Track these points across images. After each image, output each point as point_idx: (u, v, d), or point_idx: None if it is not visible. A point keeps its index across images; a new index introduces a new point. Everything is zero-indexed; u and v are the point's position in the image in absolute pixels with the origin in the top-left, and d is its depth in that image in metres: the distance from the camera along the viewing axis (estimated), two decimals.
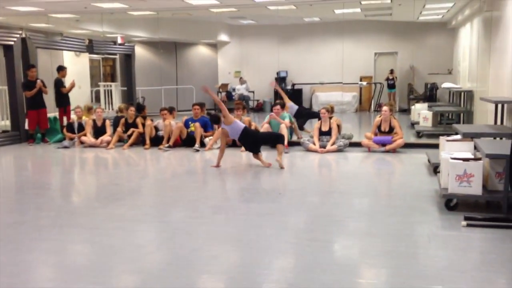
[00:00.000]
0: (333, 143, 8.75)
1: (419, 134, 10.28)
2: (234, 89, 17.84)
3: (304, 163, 8.23)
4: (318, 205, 5.43)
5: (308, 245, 4.04)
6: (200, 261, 3.72)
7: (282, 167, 7.34)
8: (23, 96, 10.29)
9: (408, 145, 8.77)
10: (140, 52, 17.44)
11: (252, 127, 9.68)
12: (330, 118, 9.04)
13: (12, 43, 10.30)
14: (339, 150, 8.74)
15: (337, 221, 4.71)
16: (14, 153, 9.42)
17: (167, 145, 9.37)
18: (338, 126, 9.13)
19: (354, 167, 7.88)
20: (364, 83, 17.48)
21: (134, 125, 9.82)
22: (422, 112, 10.88)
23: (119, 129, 9.85)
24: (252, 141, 7.66)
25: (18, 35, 10.51)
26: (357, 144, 9.02)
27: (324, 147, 8.73)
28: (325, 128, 8.91)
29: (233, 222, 4.78)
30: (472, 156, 5.04)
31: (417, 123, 11.04)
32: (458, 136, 5.76)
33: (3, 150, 9.61)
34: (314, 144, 8.84)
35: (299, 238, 4.24)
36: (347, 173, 7.40)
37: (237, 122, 7.59)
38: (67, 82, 10.94)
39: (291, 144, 9.21)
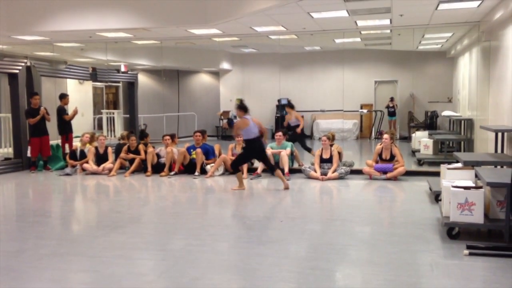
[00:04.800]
0: (334, 171, 8.77)
1: (420, 162, 10.30)
2: (235, 117, 17.94)
3: (305, 190, 8.23)
4: (319, 233, 5.41)
5: (310, 273, 4.02)
6: None
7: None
8: (26, 123, 10.38)
9: (409, 173, 8.78)
10: (143, 80, 17.65)
11: None
12: (331, 145, 9.09)
13: (17, 71, 10.46)
14: (340, 177, 8.75)
15: (339, 250, 4.69)
16: (16, 180, 9.44)
17: (173, 172, 9.41)
18: (339, 154, 9.17)
19: (356, 194, 7.87)
20: (365, 110, 17.61)
21: (137, 152, 9.87)
22: (422, 140, 10.93)
23: (122, 155, 9.90)
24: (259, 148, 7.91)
25: (23, 64, 10.67)
26: (358, 172, 9.03)
27: (325, 174, 8.75)
28: (326, 156, 8.95)
29: (235, 250, 4.77)
30: (473, 185, 5.06)
31: (418, 151, 11.07)
32: (459, 164, 5.79)
33: (5, 178, 9.63)
34: (315, 171, 8.86)
35: (301, 267, 4.22)
36: (349, 200, 7.40)
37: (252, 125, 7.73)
38: (70, 109, 11.05)
39: (292, 171, 9.23)
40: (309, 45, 15.86)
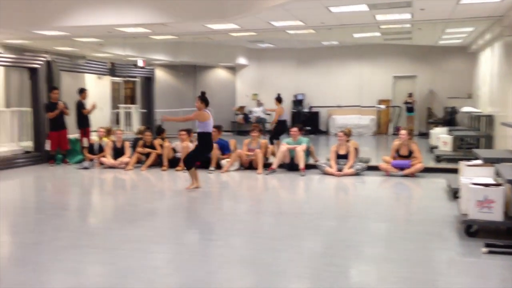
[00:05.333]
0: (351, 167, 8.71)
1: (438, 159, 10.16)
2: (251, 112, 17.96)
3: (320, 186, 8.19)
4: (335, 229, 5.38)
5: (325, 269, 4.00)
6: (216, 284, 3.71)
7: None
8: (46, 117, 10.53)
9: (427, 170, 8.67)
10: (160, 75, 17.77)
11: (269, 150, 9.74)
12: (348, 141, 9.02)
13: (38, 66, 10.60)
14: (357, 173, 8.68)
15: (355, 246, 4.66)
16: (35, 173, 9.59)
17: None
18: (356, 150, 9.10)
19: (372, 191, 7.81)
20: (382, 106, 17.44)
21: (153, 147, 9.95)
22: (441, 136, 10.77)
23: (139, 149, 9.98)
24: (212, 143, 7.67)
25: (43, 59, 10.82)
26: (375, 168, 8.95)
27: (341, 170, 8.69)
28: (342, 152, 8.89)
29: (249, 245, 4.77)
30: (493, 182, 4.97)
31: (436, 147, 10.92)
32: (479, 161, 5.69)
33: (25, 170, 9.80)
34: (331, 167, 8.81)
35: (315, 263, 4.20)
36: (365, 197, 7.34)
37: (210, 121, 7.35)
38: (88, 104, 11.17)
39: (308, 167, 9.19)
40: (327, 39, 15.75)
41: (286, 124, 11.85)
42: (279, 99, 11.65)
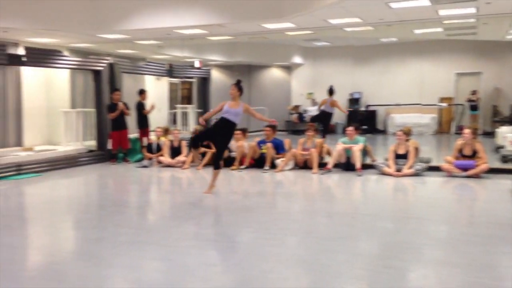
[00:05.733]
0: (410, 167, 8.43)
1: (504, 159, 9.61)
2: (305, 111, 17.83)
3: (378, 187, 7.99)
4: (393, 231, 5.23)
5: (383, 272, 3.89)
6: (271, 283, 3.70)
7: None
8: (108, 118, 10.96)
9: (492, 171, 8.25)
10: (216, 75, 18.03)
11: (324, 149, 9.63)
12: (407, 140, 8.74)
13: (101, 68, 11.07)
14: (417, 174, 8.40)
15: (414, 249, 4.50)
16: (98, 171, 10.01)
17: (243, 166, 9.53)
18: (416, 149, 8.80)
19: (433, 192, 7.52)
20: (444, 104, 16.77)
21: (208, 146, 10.08)
22: (508, 136, 10.20)
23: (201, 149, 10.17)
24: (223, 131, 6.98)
25: (106, 61, 11.29)
26: (436, 168, 8.62)
27: (400, 170, 8.43)
28: (401, 151, 8.63)
29: (304, 245, 4.72)
30: None
31: (503, 147, 10.35)
32: None
33: (89, 169, 10.25)
34: (389, 167, 8.57)
35: (373, 265, 4.09)
36: (425, 198, 7.08)
37: (225, 106, 6.90)
38: (148, 104, 11.53)
39: (365, 167, 8.99)
40: (385, 36, 15.33)
41: (329, 117, 11.83)
42: (330, 91, 11.60)
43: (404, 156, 8.57)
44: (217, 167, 7.14)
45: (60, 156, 10.36)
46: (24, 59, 9.62)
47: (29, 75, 11.55)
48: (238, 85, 7.07)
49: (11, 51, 10.23)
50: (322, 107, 11.71)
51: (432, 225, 5.39)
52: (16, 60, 9.63)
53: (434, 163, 8.97)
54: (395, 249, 4.52)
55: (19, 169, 9.12)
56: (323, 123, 11.76)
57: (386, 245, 4.68)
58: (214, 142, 7.36)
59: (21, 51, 10.68)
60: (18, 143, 11.32)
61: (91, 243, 4.82)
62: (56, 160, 10.06)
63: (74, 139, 11.35)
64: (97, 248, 4.62)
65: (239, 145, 9.69)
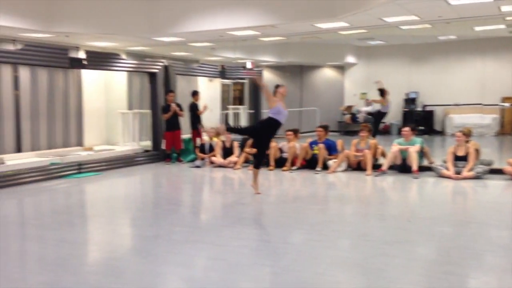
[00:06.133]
0: (470, 169, 8.07)
1: None
2: (359, 111, 17.50)
3: (436, 190, 7.71)
4: (452, 235, 5.02)
5: (442, 278, 3.74)
6: (324, 286, 3.64)
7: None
8: (163, 118, 11.24)
9: None
10: (267, 76, 18.07)
11: (379, 151, 9.40)
12: (467, 142, 8.38)
13: (156, 70, 11.38)
14: (477, 177, 8.03)
15: (475, 255, 4.30)
16: (153, 171, 10.28)
17: (295, 167, 9.49)
18: (476, 151, 8.42)
19: (495, 196, 7.16)
20: (507, 104, 15.95)
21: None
22: None
23: (247, 149, 10.23)
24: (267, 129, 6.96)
25: (161, 63, 11.58)
26: (499, 171, 8.22)
27: (459, 173, 8.10)
28: (461, 153, 8.28)
29: (359, 248, 4.63)
30: None
31: None
32: None
33: (145, 168, 10.55)
34: (447, 169, 8.24)
35: (431, 271, 3.94)
36: (486, 202, 6.75)
37: (279, 107, 6.87)
38: (200, 105, 11.72)
39: (422, 169, 8.70)
40: (443, 34, 14.76)
41: (382, 115, 11.90)
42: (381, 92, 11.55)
43: (463, 158, 8.22)
44: (259, 166, 7.18)
45: (118, 155, 10.74)
46: (84, 62, 10.03)
47: (89, 77, 12.06)
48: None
49: (73, 55, 10.71)
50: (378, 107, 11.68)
51: (494, 230, 5.13)
52: (77, 64, 10.06)
53: (496, 166, 8.55)
54: (454, 255, 4.33)
55: (80, 168, 9.53)
56: (375, 122, 11.65)
57: (444, 250, 4.50)
58: (259, 141, 7.21)
59: (81, 54, 11.16)
60: (79, 143, 11.84)
61: (147, 241, 4.95)
62: (114, 160, 10.43)
63: (131, 140, 11.73)
64: (153, 246, 4.73)
65: (291, 145, 9.65)
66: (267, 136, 7.02)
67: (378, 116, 12.04)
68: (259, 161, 7.23)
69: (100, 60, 10.45)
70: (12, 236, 5.40)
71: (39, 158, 9.82)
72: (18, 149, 10.42)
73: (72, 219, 6.09)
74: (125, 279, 3.88)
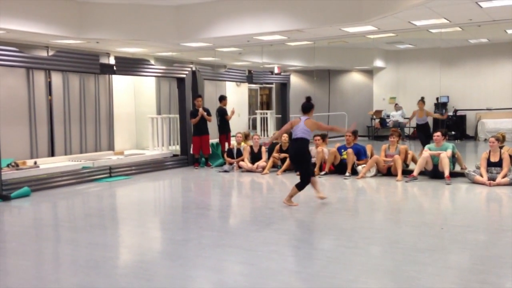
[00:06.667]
0: (505, 176, 7.85)
1: None
2: (388, 116, 17.28)
3: (469, 196, 7.52)
4: (486, 244, 4.88)
5: (477, 287, 3.64)
6: None
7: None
8: (191, 123, 11.35)
9: None
10: (294, 80, 18.03)
11: (409, 156, 9.25)
12: (501, 147, 8.16)
13: (185, 75, 11.50)
14: None
15: (511, 263, 4.16)
16: (181, 175, 10.37)
17: (323, 172, 9.42)
18: (511, 157, 8.18)
19: None
20: None
21: (288, 151, 10.09)
22: None
23: (275, 154, 10.22)
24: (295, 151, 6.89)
25: (189, 69, 11.70)
26: None
27: (493, 179, 7.88)
28: (494, 159, 8.07)
29: (390, 255, 4.55)
30: None
31: None
32: None
33: (173, 172, 10.66)
34: (481, 175, 8.04)
35: (465, 279, 3.84)
36: None
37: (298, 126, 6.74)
38: (228, 110, 11.77)
39: (454, 175, 8.51)
40: (475, 37, 14.45)
41: (424, 128, 11.38)
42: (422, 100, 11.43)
43: (497, 164, 8.01)
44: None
45: (147, 160, 10.88)
46: (114, 68, 10.23)
47: (119, 83, 12.28)
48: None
49: (103, 60, 10.93)
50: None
51: None
52: (107, 69, 10.27)
53: None
54: (489, 263, 4.21)
55: (111, 172, 9.69)
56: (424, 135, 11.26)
57: (479, 259, 4.38)
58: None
59: (112, 60, 11.39)
60: (110, 147, 12.06)
61: (177, 244, 4.99)
62: (144, 164, 10.57)
63: (160, 144, 11.87)
64: (183, 249, 4.76)
65: (319, 150, 9.59)
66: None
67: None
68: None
69: (130, 65, 10.63)
70: (46, 238, 5.53)
71: (71, 162, 10.05)
72: (52, 153, 10.69)
73: (103, 222, 6.19)
74: (156, 282, 3.91)
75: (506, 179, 7.82)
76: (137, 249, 5.05)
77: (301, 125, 6.71)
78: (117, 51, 11.92)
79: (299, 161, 6.82)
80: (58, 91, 10.85)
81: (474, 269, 4.14)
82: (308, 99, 6.98)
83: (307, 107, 6.84)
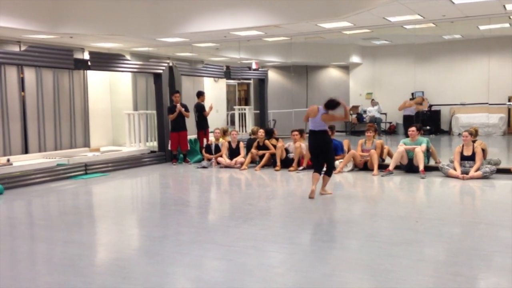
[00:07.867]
0: (477, 169, 8.04)
1: None
2: (365, 111, 17.47)
3: (443, 190, 7.67)
4: (460, 236, 4.99)
5: (451, 279, 3.72)
6: (332, 287, 3.63)
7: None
8: (168, 119, 11.26)
9: None
10: (272, 76, 18.06)
11: (385, 150, 9.37)
12: (474, 141, 8.34)
13: (161, 71, 11.39)
14: (484, 177, 7.99)
15: (483, 255, 4.27)
16: (159, 171, 10.30)
17: (301, 167, 9.47)
18: (483, 151, 8.37)
19: (503, 196, 7.12)
20: None
21: (266, 147, 10.11)
22: None
23: (253, 150, 10.22)
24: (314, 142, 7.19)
25: (166, 64, 11.60)
26: (506, 171, 8.18)
27: (466, 173, 8.06)
28: (467, 153, 8.24)
29: (366, 249, 4.61)
30: None
31: None
32: None
33: (151, 169, 10.57)
34: (454, 169, 8.21)
35: (439, 272, 3.92)
36: (494, 202, 6.71)
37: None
38: (206, 106, 11.72)
39: (429, 169, 8.67)
40: (448, 34, 14.73)
41: (409, 120, 11.66)
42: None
43: (470, 158, 8.18)
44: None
45: (124, 156, 10.76)
46: (89, 63, 10.06)
47: (94, 79, 12.09)
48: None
49: (77, 56, 10.74)
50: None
51: (503, 231, 5.09)
52: (82, 65, 10.10)
53: (503, 165, 8.50)
54: (463, 256, 4.31)
55: (86, 169, 9.55)
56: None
57: (453, 251, 4.47)
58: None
59: (86, 56, 11.20)
60: (86, 144, 11.88)
61: (154, 241, 4.96)
62: (121, 161, 10.45)
63: (137, 140, 11.75)
64: (160, 246, 4.73)
65: (297, 146, 9.64)
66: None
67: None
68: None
69: (105, 61, 10.48)
70: (20, 236, 5.43)
71: (46, 159, 9.86)
72: (25, 151, 10.47)
73: (79, 220, 6.11)
74: (133, 280, 3.88)
75: (479, 173, 8.00)
76: (114, 246, 5.00)
77: (318, 118, 7.05)
78: (91, 46, 11.72)
79: (324, 150, 7.10)
80: (31, 87, 10.62)
81: (448, 261, 4.23)
82: (334, 100, 7.13)
83: (331, 105, 7.07)
